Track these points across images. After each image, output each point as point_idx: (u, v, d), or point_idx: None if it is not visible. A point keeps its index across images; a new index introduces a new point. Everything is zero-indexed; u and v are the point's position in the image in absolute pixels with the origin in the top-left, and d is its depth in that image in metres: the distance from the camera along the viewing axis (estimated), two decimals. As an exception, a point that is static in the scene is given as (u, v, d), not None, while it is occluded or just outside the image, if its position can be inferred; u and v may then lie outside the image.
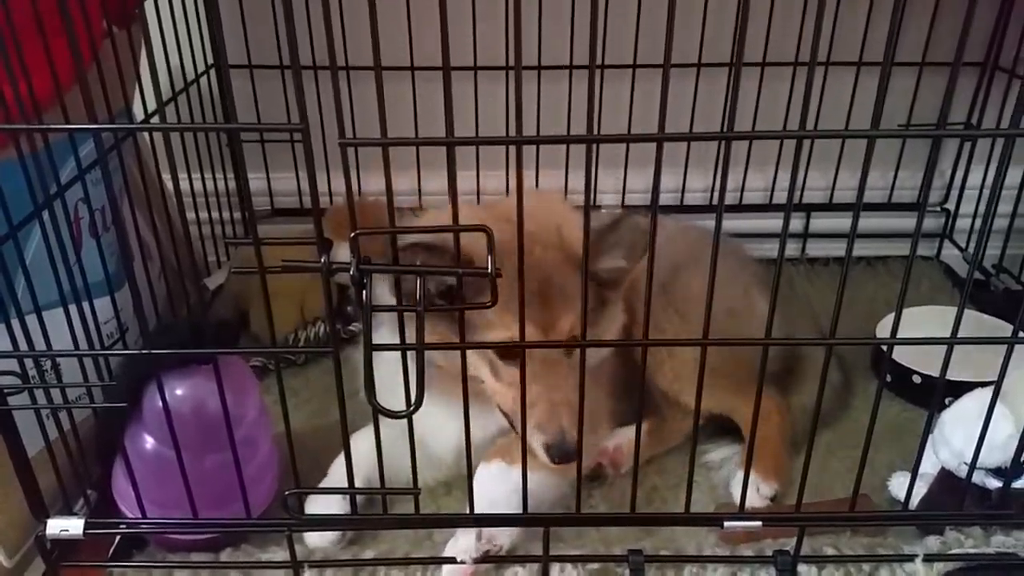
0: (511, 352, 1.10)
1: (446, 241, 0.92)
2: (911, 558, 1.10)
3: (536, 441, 1.09)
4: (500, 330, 1.07)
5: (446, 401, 1.07)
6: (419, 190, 1.90)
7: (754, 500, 1.29)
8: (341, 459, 1.17)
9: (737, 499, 1.15)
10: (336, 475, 1.23)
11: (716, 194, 1.01)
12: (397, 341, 0.95)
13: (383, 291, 0.98)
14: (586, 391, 1.00)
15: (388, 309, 0.94)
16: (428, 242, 0.94)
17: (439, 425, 1.21)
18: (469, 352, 1.00)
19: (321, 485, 1.25)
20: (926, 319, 1.63)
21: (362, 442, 1.08)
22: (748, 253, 1.63)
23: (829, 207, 2.01)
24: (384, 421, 0.96)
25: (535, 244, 1.11)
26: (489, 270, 0.87)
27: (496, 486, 1.15)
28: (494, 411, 1.17)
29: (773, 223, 1.97)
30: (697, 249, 1.45)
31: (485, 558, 1.11)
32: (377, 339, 0.93)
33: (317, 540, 1.19)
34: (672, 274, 1.42)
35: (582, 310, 0.96)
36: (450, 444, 1.25)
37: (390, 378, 0.97)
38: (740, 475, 1.25)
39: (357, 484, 1.09)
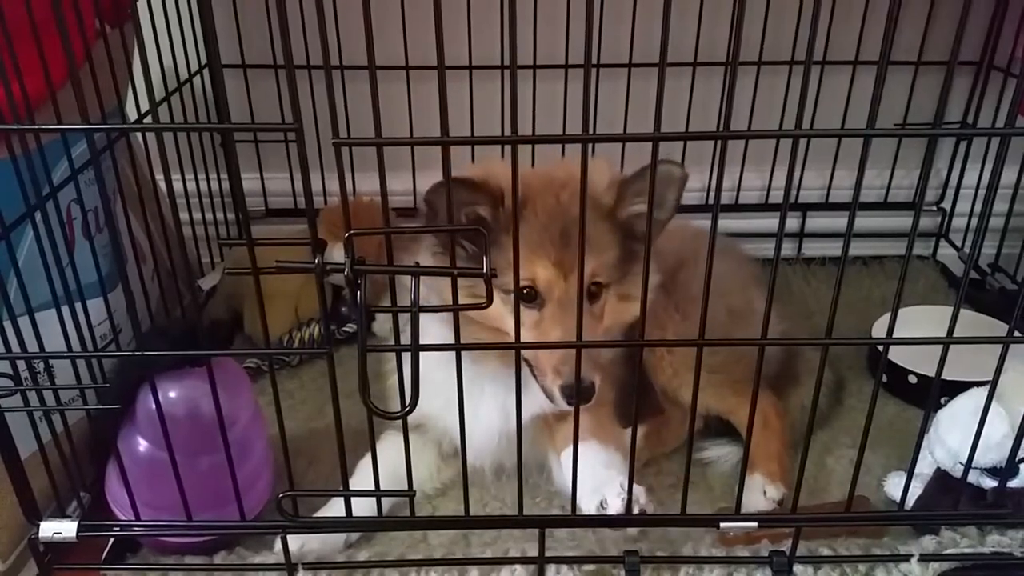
0: (532, 294, 1.11)
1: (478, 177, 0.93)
2: (907, 558, 1.10)
3: (553, 384, 1.09)
4: (523, 270, 1.05)
5: (485, 378, 1.09)
6: (414, 190, 1.90)
7: (760, 503, 1.28)
8: (362, 463, 1.18)
9: (744, 501, 1.15)
10: (360, 477, 1.21)
11: (712, 193, 1.01)
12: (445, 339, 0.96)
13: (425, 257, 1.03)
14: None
15: (383, 310, 0.94)
16: (465, 177, 0.96)
17: (478, 412, 1.21)
18: (495, 302, 0.99)
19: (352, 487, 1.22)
20: (922, 319, 1.63)
21: (388, 447, 1.11)
22: (745, 252, 1.63)
23: (825, 206, 2.01)
24: (414, 425, 0.97)
25: (562, 189, 1.12)
26: (484, 271, 0.87)
27: (601, 459, 1.15)
28: (533, 388, 1.15)
29: (769, 222, 1.97)
30: (696, 246, 1.44)
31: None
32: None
33: (318, 545, 1.18)
34: (672, 272, 1.42)
35: (578, 312, 0.95)
36: (492, 430, 1.24)
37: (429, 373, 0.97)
38: (748, 479, 1.24)
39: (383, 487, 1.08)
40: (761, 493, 1.29)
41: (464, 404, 1.02)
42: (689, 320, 1.37)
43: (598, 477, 1.10)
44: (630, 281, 1.17)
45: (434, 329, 1.06)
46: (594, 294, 1.14)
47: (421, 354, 0.91)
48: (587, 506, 1.09)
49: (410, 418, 0.95)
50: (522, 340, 1.09)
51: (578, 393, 1.03)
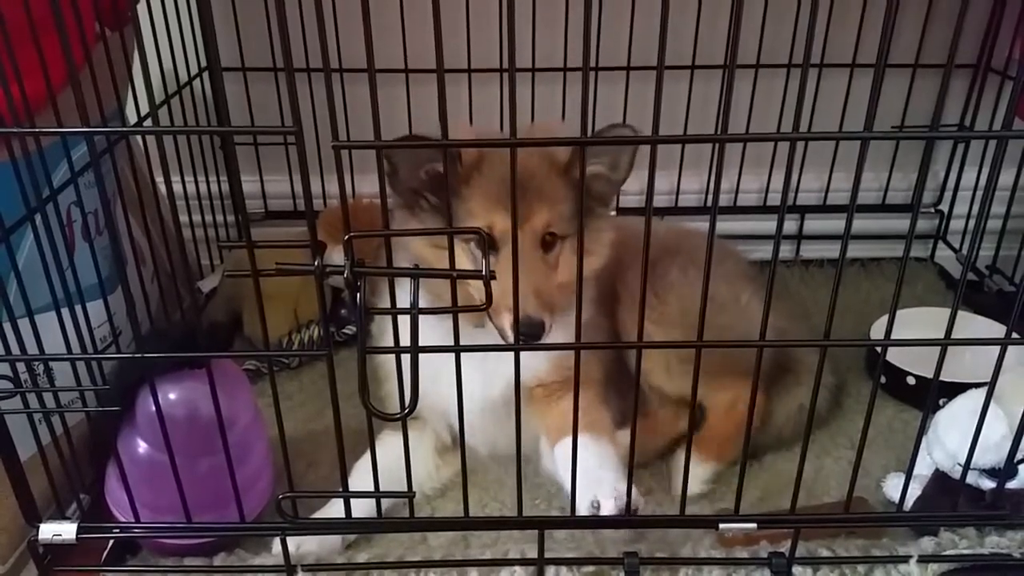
0: (491, 241, 1.13)
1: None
2: (906, 559, 1.10)
3: (504, 322, 1.10)
4: (480, 219, 1.13)
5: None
6: (413, 192, 1.90)
7: (692, 484, 1.25)
8: (360, 463, 1.18)
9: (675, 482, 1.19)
10: (358, 478, 1.21)
11: (710, 196, 1.02)
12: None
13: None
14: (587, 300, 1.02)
15: (382, 312, 0.94)
16: (425, 136, 0.97)
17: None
18: (432, 276, 1.02)
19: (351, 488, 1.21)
20: (920, 320, 1.62)
21: (386, 448, 1.10)
22: (734, 248, 1.63)
23: (823, 209, 2.01)
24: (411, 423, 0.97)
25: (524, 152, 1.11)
26: (483, 272, 0.87)
27: (593, 457, 1.15)
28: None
29: (767, 225, 1.98)
30: (678, 240, 1.47)
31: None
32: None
33: (316, 547, 1.18)
34: (654, 261, 1.42)
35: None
36: (473, 396, 1.22)
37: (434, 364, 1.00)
38: (679, 453, 1.28)
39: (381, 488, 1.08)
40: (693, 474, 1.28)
41: (440, 373, 1.04)
42: (667, 305, 1.38)
43: (590, 476, 1.10)
44: (587, 236, 1.13)
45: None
46: (548, 243, 1.18)
47: (404, 329, 0.91)
48: (580, 506, 1.09)
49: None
50: (482, 292, 1.08)
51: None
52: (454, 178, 1.10)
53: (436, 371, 1.11)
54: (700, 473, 1.32)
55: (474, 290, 1.15)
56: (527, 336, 1.07)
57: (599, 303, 1.36)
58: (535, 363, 1.25)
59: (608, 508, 1.07)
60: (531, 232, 1.15)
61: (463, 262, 1.14)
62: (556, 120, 1.43)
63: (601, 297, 1.36)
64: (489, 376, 1.24)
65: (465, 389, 1.14)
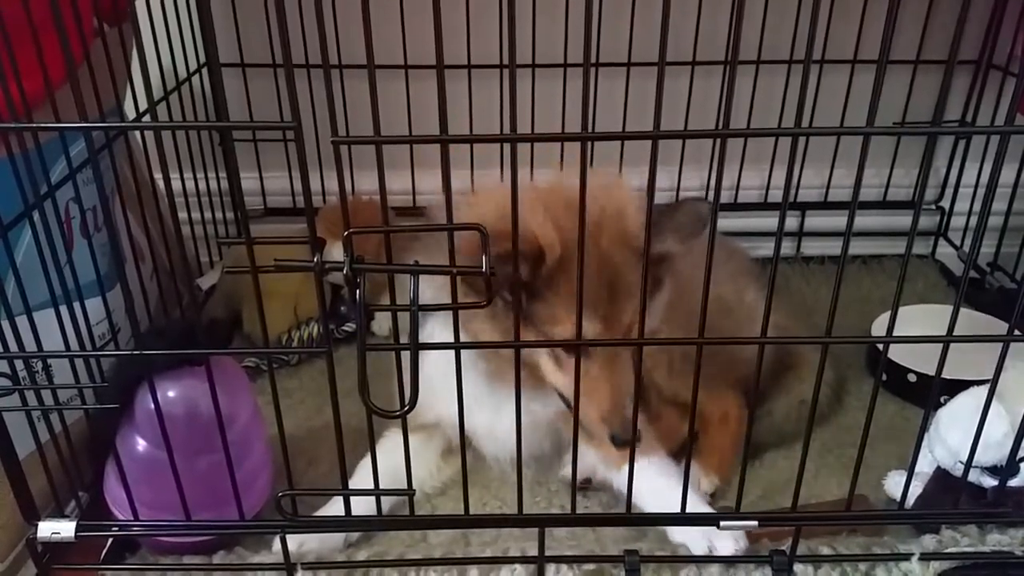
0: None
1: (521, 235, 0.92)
2: (907, 557, 1.10)
3: (602, 430, 1.10)
4: (566, 325, 1.07)
5: (499, 394, 1.10)
6: (413, 188, 1.90)
7: (694, 496, 1.28)
8: (363, 461, 1.18)
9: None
10: (359, 476, 1.21)
11: (711, 192, 1.01)
12: (447, 339, 0.97)
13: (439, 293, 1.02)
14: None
15: (382, 308, 0.93)
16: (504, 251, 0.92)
17: (492, 424, 1.23)
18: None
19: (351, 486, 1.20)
20: (921, 317, 1.63)
21: (387, 447, 1.11)
22: (738, 246, 1.63)
23: (824, 205, 2.01)
24: (412, 427, 0.97)
25: (602, 234, 1.10)
26: (484, 269, 0.86)
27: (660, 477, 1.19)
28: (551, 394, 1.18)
29: (768, 221, 1.97)
30: None
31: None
32: (424, 337, 0.94)
33: (317, 545, 1.18)
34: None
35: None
36: (508, 444, 1.24)
37: (439, 380, 1.01)
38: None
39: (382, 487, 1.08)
40: (696, 484, 1.28)
41: (485, 407, 1.07)
42: (674, 308, 1.37)
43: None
44: (653, 308, 1.17)
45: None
46: (631, 330, 1.12)
47: (435, 359, 0.91)
48: (696, 548, 1.13)
49: (424, 420, 0.95)
50: (564, 386, 1.14)
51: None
52: (537, 279, 1.05)
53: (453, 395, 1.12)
54: (704, 484, 1.31)
55: (552, 385, 1.15)
56: (623, 444, 1.08)
57: None
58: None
59: (727, 549, 1.11)
60: (620, 330, 1.11)
61: (546, 365, 1.14)
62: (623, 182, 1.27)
63: None
64: (532, 411, 1.20)
65: (508, 422, 1.14)
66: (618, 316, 1.10)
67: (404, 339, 0.91)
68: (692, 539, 1.14)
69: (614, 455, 1.15)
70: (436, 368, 0.98)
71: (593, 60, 1.78)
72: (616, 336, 1.10)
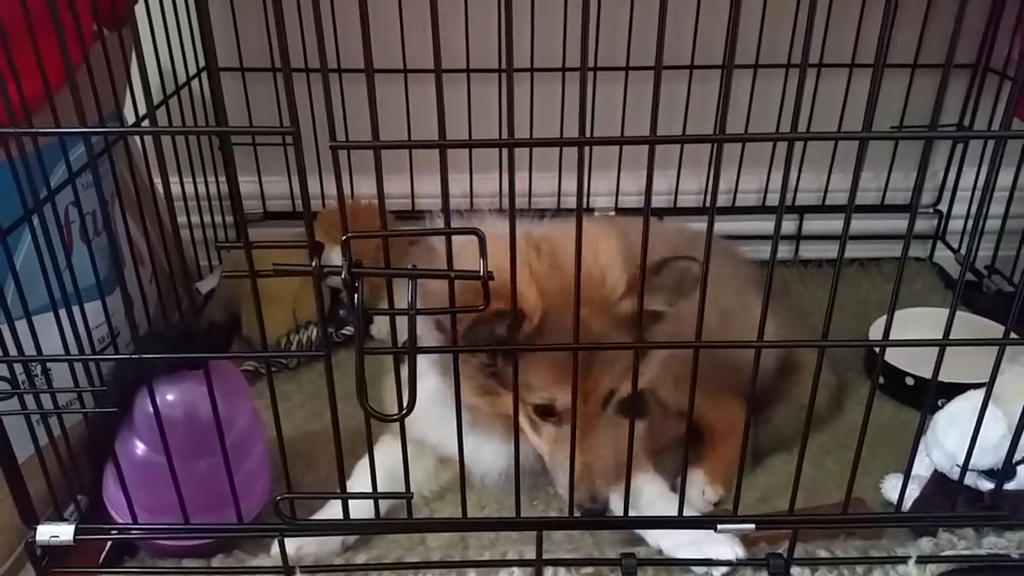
0: (547, 411, 1.11)
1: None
2: (904, 560, 1.10)
3: (573, 498, 1.09)
4: (540, 392, 1.08)
5: (488, 437, 1.13)
6: (412, 193, 1.90)
7: (698, 503, 1.30)
8: (361, 464, 1.18)
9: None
10: (357, 479, 1.21)
11: (709, 196, 1.01)
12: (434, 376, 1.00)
13: (425, 333, 1.01)
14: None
15: (381, 312, 0.94)
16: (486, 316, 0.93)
17: (484, 455, 1.24)
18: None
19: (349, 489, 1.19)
20: (919, 320, 1.63)
21: (385, 449, 1.11)
22: (742, 255, 1.63)
23: (822, 209, 2.01)
24: (410, 434, 0.99)
25: (583, 304, 1.01)
26: (481, 273, 0.87)
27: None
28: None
29: (766, 225, 1.97)
30: (691, 245, 1.44)
31: None
32: (423, 384, 0.95)
33: (316, 548, 1.18)
34: (660, 264, 1.42)
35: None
36: (498, 467, 1.26)
37: (434, 412, 1.05)
38: (689, 474, 1.26)
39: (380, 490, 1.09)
40: (700, 493, 1.31)
41: (468, 438, 1.05)
42: (676, 319, 1.37)
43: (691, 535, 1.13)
44: (644, 370, 1.14)
45: (433, 378, 1.09)
46: (608, 400, 1.13)
47: (419, 386, 0.91)
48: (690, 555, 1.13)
49: (411, 434, 0.95)
50: (543, 450, 1.15)
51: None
52: (513, 342, 1.01)
53: (437, 420, 1.15)
54: (709, 494, 1.32)
55: (532, 444, 1.16)
56: (592, 514, 1.09)
57: None
58: None
59: (725, 554, 1.11)
60: (596, 401, 1.10)
61: (524, 423, 1.13)
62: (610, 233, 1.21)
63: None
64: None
65: (490, 456, 1.20)
66: (594, 387, 1.09)
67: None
68: (685, 548, 1.13)
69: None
70: (421, 392, 0.96)
71: (591, 64, 1.79)
72: (591, 410, 1.09)
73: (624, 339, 1.06)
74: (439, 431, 1.22)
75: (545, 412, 1.11)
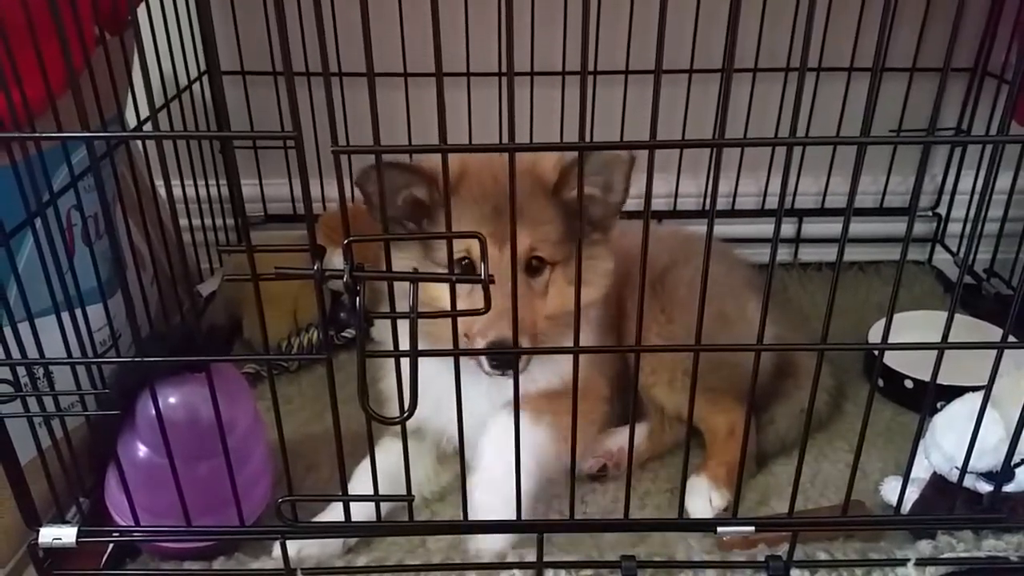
0: (470, 267, 1.12)
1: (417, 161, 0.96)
2: (903, 562, 1.10)
3: (478, 345, 1.08)
4: (458, 243, 1.09)
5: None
6: (412, 196, 1.91)
7: (705, 511, 1.30)
8: (359, 470, 1.19)
9: (689, 507, 1.21)
10: (358, 481, 1.21)
11: (708, 200, 1.01)
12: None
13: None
14: (590, 325, 1.03)
15: (382, 315, 0.94)
16: (397, 161, 0.99)
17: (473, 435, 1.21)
18: (431, 280, 1.01)
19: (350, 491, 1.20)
20: (918, 323, 1.63)
21: (386, 452, 1.11)
22: (739, 256, 1.63)
23: (821, 212, 2.02)
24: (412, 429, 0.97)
25: (500, 169, 1.07)
26: (482, 276, 0.87)
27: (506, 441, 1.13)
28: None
29: (766, 228, 1.98)
30: (687, 249, 1.45)
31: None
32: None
33: (318, 551, 1.18)
34: (662, 273, 1.43)
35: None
36: (481, 417, 1.22)
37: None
38: (693, 482, 1.28)
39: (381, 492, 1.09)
40: (707, 500, 1.30)
41: (441, 401, 1.05)
42: (674, 323, 1.37)
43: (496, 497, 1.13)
44: (585, 266, 1.14)
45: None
46: (535, 268, 1.15)
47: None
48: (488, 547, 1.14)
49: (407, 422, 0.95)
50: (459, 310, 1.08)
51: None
52: (430, 203, 1.08)
53: (437, 399, 1.14)
54: (716, 499, 1.31)
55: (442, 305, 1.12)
56: (499, 365, 1.07)
57: (604, 326, 1.34)
58: (533, 384, 1.22)
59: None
60: (512, 254, 1.11)
61: (441, 291, 1.12)
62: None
63: (606, 316, 1.35)
64: (494, 398, 1.22)
65: (471, 412, 1.14)
66: (507, 236, 1.02)
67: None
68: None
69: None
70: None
71: (591, 68, 1.79)
72: (508, 265, 1.04)
73: (545, 206, 1.13)
74: (433, 412, 1.21)
75: (467, 270, 1.12)
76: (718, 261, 1.49)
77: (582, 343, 1.17)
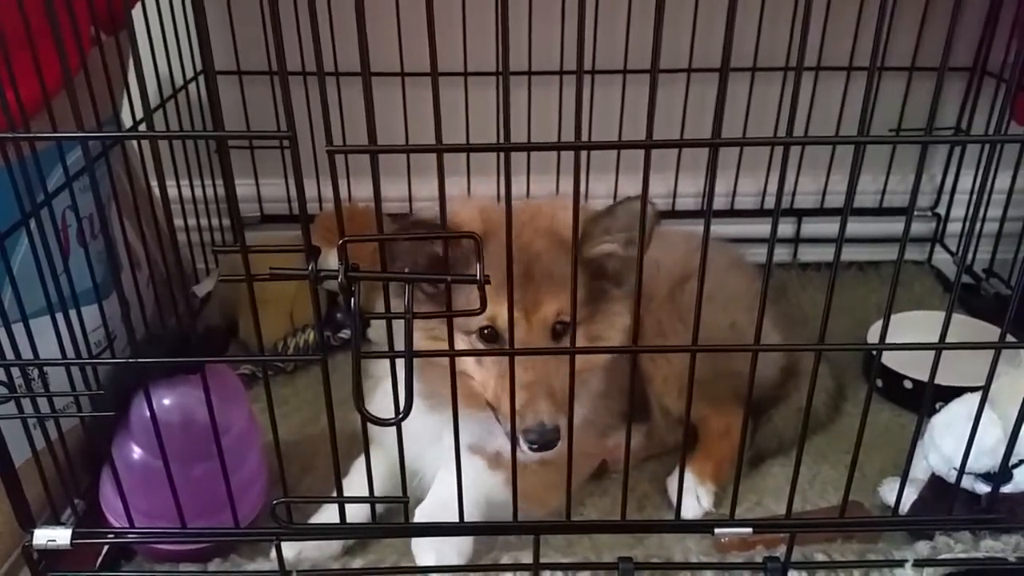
0: (493, 335, 1.09)
1: (435, 218, 0.92)
2: (901, 563, 1.10)
3: (513, 426, 1.05)
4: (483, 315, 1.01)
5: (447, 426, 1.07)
6: (409, 196, 1.90)
7: (694, 507, 1.30)
8: (354, 468, 1.19)
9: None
10: (353, 482, 1.21)
11: (705, 200, 1.02)
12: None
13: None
14: (591, 395, 0.99)
15: (377, 316, 0.94)
16: (422, 219, 0.93)
17: (446, 460, 1.18)
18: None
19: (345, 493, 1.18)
20: (918, 324, 1.63)
21: (378, 454, 1.09)
22: (746, 261, 1.63)
23: (820, 212, 2.01)
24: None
25: (525, 227, 1.09)
26: (478, 277, 0.87)
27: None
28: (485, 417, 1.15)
29: (765, 228, 1.96)
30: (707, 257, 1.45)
31: None
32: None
33: (316, 552, 1.18)
34: (681, 282, 1.42)
35: (571, 310, 0.95)
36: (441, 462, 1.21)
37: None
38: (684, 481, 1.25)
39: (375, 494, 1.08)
40: (694, 496, 1.30)
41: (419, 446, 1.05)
42: (690, 331, 1.37)
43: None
44: (601, 321, 1.15)
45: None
46: (559, 333, 1.10)
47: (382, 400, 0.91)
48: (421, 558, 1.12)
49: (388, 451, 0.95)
50: (486, 384, 1.11)
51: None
52: (454, 264, 1.00)
53: (419, 455, 1.15)
54: (703, 494, 1.31)
55: (476, 384, 1.12)
56: (541, 447, 1.05)
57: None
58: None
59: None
60: (541, 323, 1.08)
61: (466, 358, 1.10)
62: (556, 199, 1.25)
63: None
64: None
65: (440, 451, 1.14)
66: (537, 304, 1.07)
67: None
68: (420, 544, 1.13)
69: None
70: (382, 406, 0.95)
71: (589, 67, 1.79)
72: (535, 331, 1.07)
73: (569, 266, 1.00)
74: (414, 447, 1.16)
75: (490, 338, 1.09)
76: (738, 272, 1.50)
77: (586, 406, 1.21)
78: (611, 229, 1.10)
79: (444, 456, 1.13)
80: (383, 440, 1.13)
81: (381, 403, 0.96)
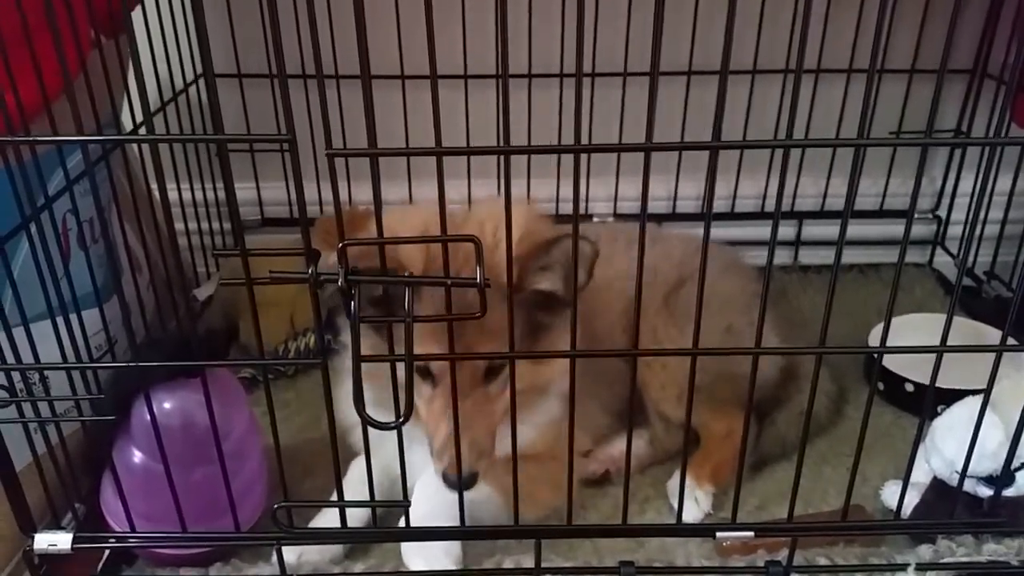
0: (424, 371, 1.10)
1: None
2: (903, 567, 1.10)
3: (435, 468, 1.09)
4: (417, 348, 0.95)
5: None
6: (410, 199, 1.90)
7: (696, 514, 1.30)
8: (350, 471, 1.19)
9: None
10: (352, 476, 1.21)
11: (705, 203, 1.02)
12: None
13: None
14: (577, 404, 0.98)
15: (376, 320, 0.93)
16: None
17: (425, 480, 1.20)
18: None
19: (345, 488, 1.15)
20: (919, 326, 1.63)
21: (382, 454, 1.09)
22: (744, 263, 1.63)
23: (821, 214, 2.01)
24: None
25: (463, 266, 1.03)
26: (478, 280, 0.86)
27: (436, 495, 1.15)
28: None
29: (765, 230, 1.96)
30: (698, 258, 1.44)
31: None
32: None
33: (317, 556, 1.18)
34: (676, 286, 1.42)
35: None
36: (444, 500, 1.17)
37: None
38: (675, 484, 1.25)
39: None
40: (692, 499, 1.30)
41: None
42: (686, 336, 1.36)
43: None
44: (540, 348, 1.13)
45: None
46: (494, 371, 1.11)
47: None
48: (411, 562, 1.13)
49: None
50: (423, 417, 1.11)
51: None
52: (393, 300, 0.96)
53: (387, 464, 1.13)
54: (701, 497, 1.31)
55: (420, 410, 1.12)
56: (454, 487, 1.06)
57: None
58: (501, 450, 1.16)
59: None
60: (471, 370, 1.08)
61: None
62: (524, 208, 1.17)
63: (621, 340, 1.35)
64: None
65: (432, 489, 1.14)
66: (467, 346, 1.03)
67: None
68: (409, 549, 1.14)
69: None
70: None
71: (588, 70, 1.79)
72: (466, 378, 1.07)
73: (504, 309, 0.97)
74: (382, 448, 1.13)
75: (423, 373, 1.10)
76: (733, 275, 1.50)
77: (552, 412, 1.22)
78: (548, 266, 1.08)
79: (423, 460, 1.14)
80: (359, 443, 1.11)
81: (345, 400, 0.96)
